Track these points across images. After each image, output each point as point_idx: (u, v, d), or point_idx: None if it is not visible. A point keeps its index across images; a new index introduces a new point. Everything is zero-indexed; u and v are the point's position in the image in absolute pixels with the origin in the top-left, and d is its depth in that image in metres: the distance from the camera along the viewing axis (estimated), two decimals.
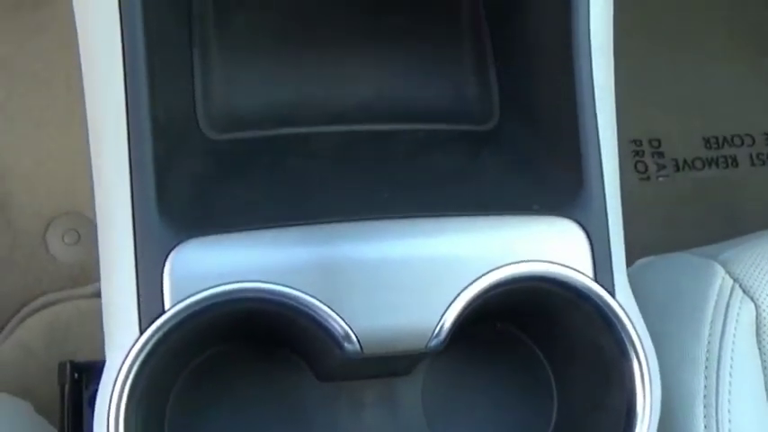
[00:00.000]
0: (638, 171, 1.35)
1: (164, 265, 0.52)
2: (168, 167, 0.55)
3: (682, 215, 1.33)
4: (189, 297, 0.50)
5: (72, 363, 0.92)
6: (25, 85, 1.15)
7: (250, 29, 0.69)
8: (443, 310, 0.53)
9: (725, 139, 1.39)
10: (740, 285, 0.69)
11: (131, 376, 0.50)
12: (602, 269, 0.58)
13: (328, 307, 0.51)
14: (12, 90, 1.15)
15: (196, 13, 0.67)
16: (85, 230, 1.13)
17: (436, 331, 0.53)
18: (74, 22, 0.57)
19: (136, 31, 0.52)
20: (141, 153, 0.53)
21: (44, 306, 1.11)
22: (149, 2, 0.53)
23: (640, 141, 1.36)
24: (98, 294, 1.08)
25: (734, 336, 0.67)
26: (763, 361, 0.67)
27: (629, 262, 0.69)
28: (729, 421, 0.65)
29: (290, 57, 0.69)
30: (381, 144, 0.66)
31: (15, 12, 1.18)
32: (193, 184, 0.58)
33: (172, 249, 0.52)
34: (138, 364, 0.50)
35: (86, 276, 1.12)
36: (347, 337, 0.52)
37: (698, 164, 1.37)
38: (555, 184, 0.61)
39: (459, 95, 0.71)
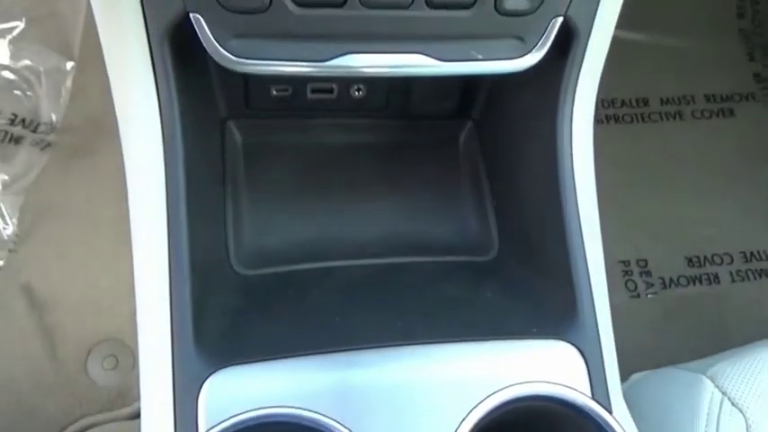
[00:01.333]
0: (628, 289, 1.36)
1: (199, 392, 0.52)
2: (204, 302, 0.57)
3: (671, 329, 1.32)
4: (221, 422, 0.50)
5: None
6: (76, 226, 1.19)
7: (275, 179, 0.72)
8: (454, 430, 0.53)
9: (706, 258, 1.40)
10: (729, 398, 0.68)
11: None
12: (598, 386, 0.58)
13: (348, 430, 0.51)
14: (64, 230, 1.19)
15: (229, 169, 0.70)
16: (123, 356, 1.13)
17: None
18: (122, 172, 0.60)
19: (179, 189, 0.55)
20: (180, 292, 0.54)
21: (82, 429, 1.10)
22: (190, 163, 0.56)
23: (629, 262, 1.38)
24: (134, 416, 1.07)
25: None
26: None
27: (625, 374, 0.68)
28: None
29: (311, 201, 0.72)
30: (393, 276, 0.68)
31: (70, 161, 1.23)
32: (226, 316, 0.59)
33: (206, 378, 0.52)
34: None
35: (123, 399, 1.11)
36: None
37: (683, 281, 1.38)
38: (551, 310, 0.62)
39: (462, 230, 0.73)
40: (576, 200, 0.62)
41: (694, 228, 1.41)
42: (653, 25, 1.55)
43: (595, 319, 0.60)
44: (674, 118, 1.52)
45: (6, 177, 1.19)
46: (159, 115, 0.56)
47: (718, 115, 1.54)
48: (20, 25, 1.28)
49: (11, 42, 1.28)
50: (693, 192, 1.44)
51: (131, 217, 0.58)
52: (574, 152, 0.62)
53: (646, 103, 1.53)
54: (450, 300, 0.65)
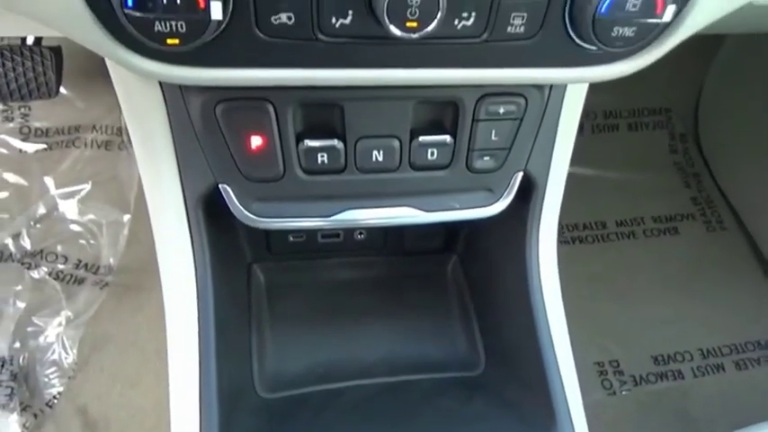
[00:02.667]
0: (604, 388, 1.30)
1: None
2: (230, 424, 0.55)
3: (646, 422, 1.26)
4: None
5: None
6: (126, 354, 1.17)
7: (294, 312, 0.72)
8: None
9: (669, 356, 1.36)
10: None
11: None
12: None
13: None
14: (116, 358, 1.17)
15: (254, 305, 0.70)
16: None
17: None
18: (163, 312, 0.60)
19: (208, 327, 0.55)
20: (208, 416, 0.53)
21: None
22: (219, 303, 0.56)
23: (603, 363, 1.33)
24: None
25: None
26: None
27: None
28: None
29: (324, 329, 0.71)
30: (396, 393, 0.66)
31: (123, 297, 1.23)
32: None
33: None
34: None
35: None
36: None
37: (651, 378, 1.33)
38: (532, 417, 0.59)
39: (453, 350, 0.72)
40: (547, 318, 0.61)
41: (655, 330, 1.37)
42: (604, 163, 1.59)
43: (571, 423, 0.57)
44: (629, 237, 1.53)
45: (70, 314, 1.18)
46: (193, 264, 0.57)
47: (665, 233, 1.55)
48: (87, 187, 1.33)
49: (79, 201, 1.32)
50: (651, 299, 1.42)
51: (169, 349, 0.58)
52: (542, 276, 0.62)
53: (604, 225, 1.54)
54: (446, 412, 0.63)
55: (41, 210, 1.30)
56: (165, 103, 0.50)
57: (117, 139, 1.38)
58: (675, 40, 0.46)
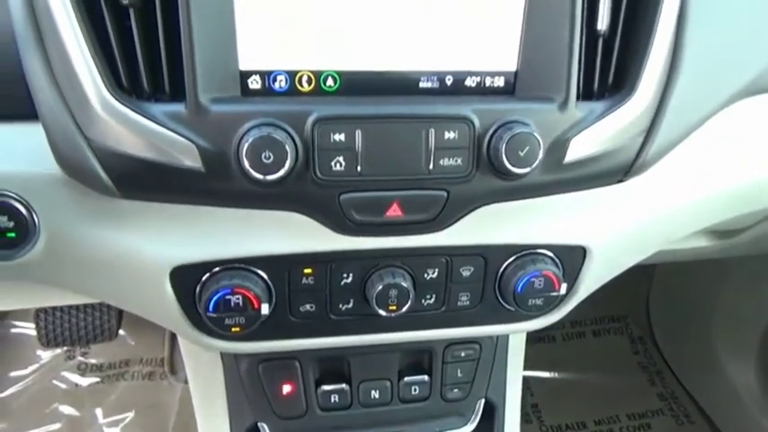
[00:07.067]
0: None
1: None
2: None
3: None
4: None
5: None
6: None
7: None
8: None
9: None
10: None
11: None
12: None
13: None
14: None
15: None
16: None
17: None
18: None
19: None
20: None
21: None
22: None
23: None
24: None
25: None
26: None
27: None
28: None
29: None
30: None
31: None
32: None
33: None
34: None
35: None
36: None
37: None
38: None
39: None
40: None
41: None
42: (577, 367, 1.65)
43: None
44: None
45: None
46: None
47: (639, 429, 1.56)
48: (130, 415, 1.39)
49: (122, 428, 1.37)
50: None
51: None
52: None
53: (584, 425, 1.55)
54: None
55: None
56: (223, 364, 0.64)
57: (159, 370, 1.49)
58: (574, 303, 0.62)
